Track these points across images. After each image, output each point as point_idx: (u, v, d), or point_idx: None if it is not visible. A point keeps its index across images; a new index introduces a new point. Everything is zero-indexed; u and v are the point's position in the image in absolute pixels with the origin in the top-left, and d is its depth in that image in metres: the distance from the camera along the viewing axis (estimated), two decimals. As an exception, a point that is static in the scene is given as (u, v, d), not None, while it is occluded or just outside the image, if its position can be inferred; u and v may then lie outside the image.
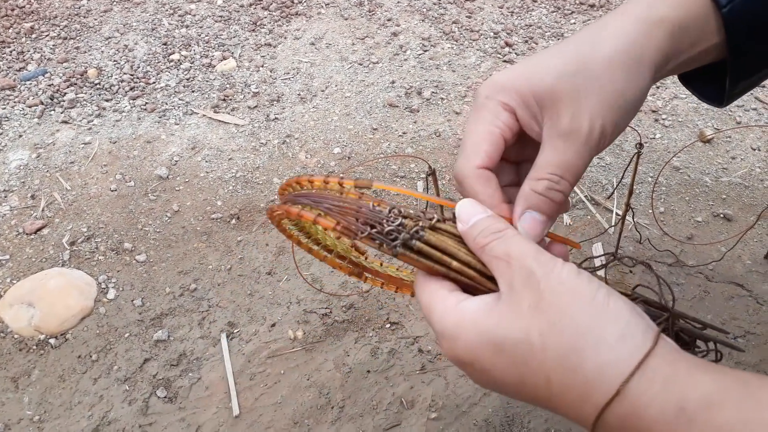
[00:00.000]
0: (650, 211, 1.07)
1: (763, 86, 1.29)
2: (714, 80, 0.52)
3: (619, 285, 0.47)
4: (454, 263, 0.42)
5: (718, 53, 0.49)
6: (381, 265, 0.59)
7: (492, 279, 0.41)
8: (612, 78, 0.44)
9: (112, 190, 1.15)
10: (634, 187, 0.92)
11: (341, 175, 0.44)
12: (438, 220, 0.44)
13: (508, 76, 0.45)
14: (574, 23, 1.57)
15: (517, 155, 0.50)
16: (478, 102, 0.47)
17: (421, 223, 0.43)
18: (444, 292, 0.42)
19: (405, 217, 0.43)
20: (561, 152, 0.43)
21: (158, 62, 1.47)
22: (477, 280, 0.42)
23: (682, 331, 0.46)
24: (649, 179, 1.14)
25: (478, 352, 0.38)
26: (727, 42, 0.47)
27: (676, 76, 0.55)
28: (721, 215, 1.07)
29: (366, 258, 0.59)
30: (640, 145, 0.84)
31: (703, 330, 0.47)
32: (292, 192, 0.48)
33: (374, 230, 0.43)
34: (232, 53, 1.50)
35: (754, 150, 1.20)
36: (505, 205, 0.46)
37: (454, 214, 0.45)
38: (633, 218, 1.04)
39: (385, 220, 0.43)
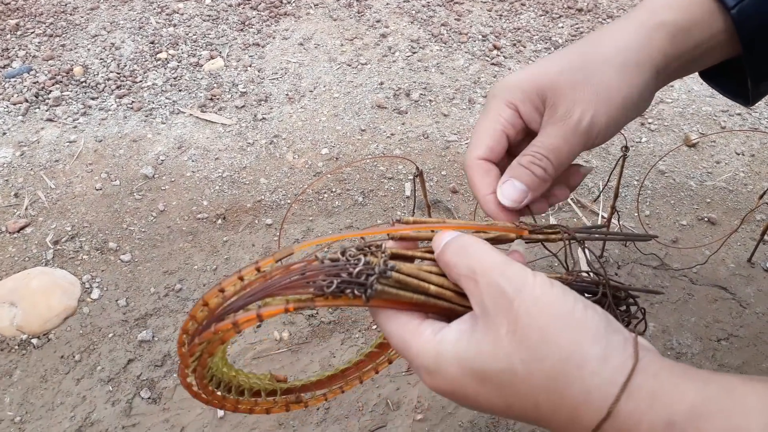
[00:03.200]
0: (636, 214, 1.08)
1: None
2: (736, 77, 0.53)
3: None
4: (432, 287, 0.40)
5: (728, 50, 0.51)
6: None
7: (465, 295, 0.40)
8: (608, 74, 0.47)
9: (97, 189, 1.14)
10: (620, 190, 0.93)
11: (256, 261, 0.40)
12: (391, 251, 0.42)
13: (515, 76, 0.50)
14: (562, 27, 1.58)
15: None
16: (486, 101, 0.51)
17: (383, 255, 0.40)
18: (415, 324, 0.40)
19: (365, 254, 0.40)
20: (549, 136, 0.47)
21: (145, 61, 1.46)
22: (454, 301, 0.41)
23: (615, 294, 0.47)
24: (635, 183, 1.15)
25: (462, 383, 0.38)
26: (741, 42, 0.49)
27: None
28: (706, 219, 1.08)
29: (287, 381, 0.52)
30: (626, 149, 0.85)
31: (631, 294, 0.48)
32: (202, 317, 0.40)
33: (339, 280, 0.38)
34: (220, 53, 1.49)
35: (739, 154, 1.21)
36: (499, 210, 0.49)
37: (390, 236, 0.44)
38: (618, 221, 1.05)
39: (347, 266, 0.38)
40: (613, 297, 0.46)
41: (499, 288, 0.37)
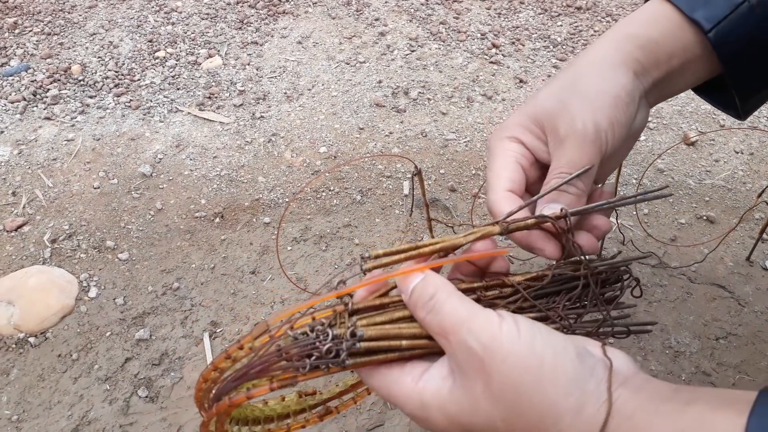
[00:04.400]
0: (634, 212, 1.08)
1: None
2: (727, 90, 0.54)
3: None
4: (404, 343, 0.41)
5: (708, 66, 0.52)
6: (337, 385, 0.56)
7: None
8: (591, 82, 0.49)
9: (94, 188, 1.14)
10: (619, 188, 0.92)
11: (237, 338, 0.44)
12: (354, 309, 0.42)
13: (508, 118, 0.52)
14: (561, 25, 1.58)
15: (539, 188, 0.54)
16: (489, 149, 0.52)
17: (348, 323, 0.41)
18: (395, 374, 0.41)
19: (332, 326, 0.41)
20: (565, 154, 0.48)
21: (143, 59, 1.46)
22: (428, 347, 0.41)
23: (604, 279, 0.48)
24: (634, 181, 1.15)
25: (449, 429, 0.39)
26: (721, 63, 0.50)
27: None
28: (704, 217, 1.08)
29: (318, 394, 0.54)
30: (624, 147, 0.85)
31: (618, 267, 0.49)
32: (208, 393, 0.44)
33: (313, 358, 0.40)
34: (218, 51, 1.49)
35: (737, 153, 1.21)
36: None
37: (363, 271, 0.43)
38: (617, 219, 1.05)
39: (316, 342, 0.40)
40: (602, 281, 0.47)
41: (467, 347, 0.37)
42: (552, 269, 0.46)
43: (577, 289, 0.46)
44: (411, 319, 0.42)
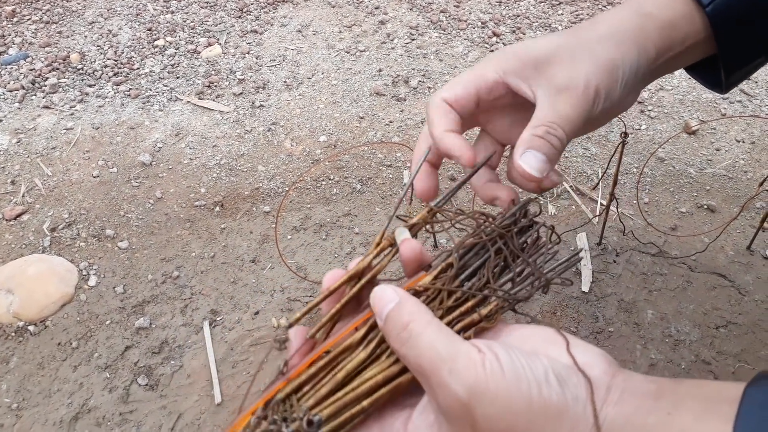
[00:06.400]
0: (635, 201, 1.07)
1: (748, 79, 1.30)
2: (714, 68, 0.55)
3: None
4: (365, 403, 0.38)
5: (705, 47, 0.52)
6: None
7: None
8: (605, 48, 0.48)
9: (94, 177, 1.14)
10: (619, 177, 0.92)
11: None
12: (294, 389, 0.40)
13: (517, 45, 0.51)
14: (562, 14, 1.57)
15: (504, 135, 0.54)
16: (483, 59, 0.52)
17: (299, 412, 0.38)
18: None
19: (285, 420, 0.38)
20: (558, 105, 0.47)
21: (143, 48, 1.45)
22: (395, 387, 0.39)
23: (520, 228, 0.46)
24: (634, 170, 1.14)
25: None
26: (715, 38, 0.51)
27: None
28: (705, 206, 1.07)
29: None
30: (625, 134, 0.84)
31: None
32: None
33: None
34: (218, 39, 1.48)
35: (739, 142, 1.20)
36: (457, 140, 0.48)
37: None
38: (617, 208, 1.05)
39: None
40: (518, 230, 0.45)
41: (450, 392, 0.35)
42: (455, 249, 0.44)
43: (491, 256, 0.44)
44: (361, 367, 0.40)
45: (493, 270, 0.43)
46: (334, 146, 1.20)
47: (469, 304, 0.42)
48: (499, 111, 0.53)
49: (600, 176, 1.12)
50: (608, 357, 0.38)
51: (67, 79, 1.36)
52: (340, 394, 0.38)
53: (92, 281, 0.97)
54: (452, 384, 0.34)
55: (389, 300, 0.39)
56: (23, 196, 1.10)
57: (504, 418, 0.34)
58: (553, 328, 0.39)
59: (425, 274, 0.44)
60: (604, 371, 0.36)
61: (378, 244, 0.46)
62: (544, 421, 0.34)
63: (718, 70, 0.54)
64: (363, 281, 0.44)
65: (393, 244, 0.45)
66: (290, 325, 0.42)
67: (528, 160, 0.47)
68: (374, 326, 0.41)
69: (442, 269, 0.43)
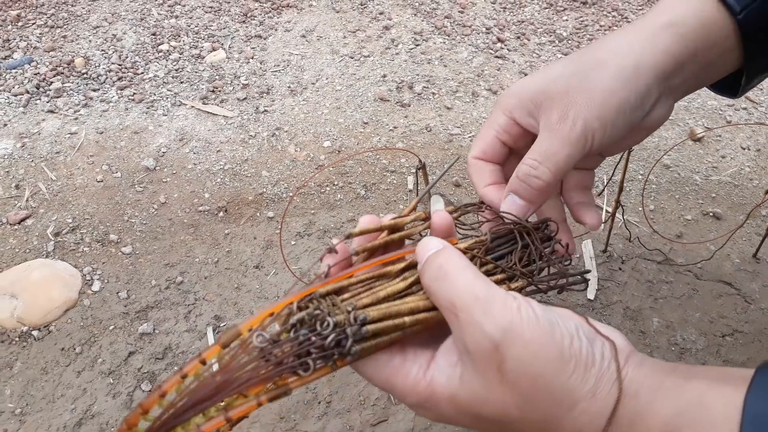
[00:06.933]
0: (640, 208, 1.07)
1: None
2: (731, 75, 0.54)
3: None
4: (407, 319, 0.38)
5: (735, 58, 0.51)
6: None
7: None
8: (602, 77, 0.47)
9: (98, 181, 1.14)
10: (625, 184, 0.92)
11: (199, 353, 0.36)
12: (334, 289, 0.39)
13: (516, 84, 0.52)
14: (566, 20, 1.57)
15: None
16: (492, 108, 0.56)
17: (347, 306, 0.37)
18: (397, 363, 0.39)
19: (330, 314, 0.36)
20: (544, 141, 0.48)
21: (147, 52, 1.45)
22: (430, 321, 0.39)
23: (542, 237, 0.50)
24: (640, 177, 1.14)
25: (458, 419, 0.39)
26: (743, 46, 0.49)
27: None
28: (711, 214, 1.07)
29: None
30: (632, 142, 0.84)
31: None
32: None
33: (314, 355, 0.35)
34: (222, 44, 1.48)
35: (744, 149, 1.20)
36: (492, 193, 0.52)
37: (329, 251, 0.43)
38: (623, 216, 1.04)
39: (311, 336, 0.35)
40: (540, 239, 0.49)
41: (482, 331, 0.36)
42: (490, 231, 0.48)
43: (519, 247, 0.47)
44: (398, 295, 0.40)
45: (519, 258, 0.47)
46: (338, 152, 1.20)
47: (498, 277, 0.44)
48: (532, 142, 0.53)
49: (605, 183, 1.12)
50: (625, 337, 0.39)
51: (72, 83, 1.36)
52: (382, 306, 0.39)
53: (96, 286, 0.97)
54: (486, 324, 0.36)
55: (434, 246, 0.41)
56: (27, 200, 1.10)
57: (534, 363, 0.35)
58: (569, 309, 0.40)
59: (456, 239, 0.47)
60: (625, 342, 0.39)
61: (413, 208, 0.49)
62: (572, 371, 0.35)
63: (731, 74, 0.53)
64: (396, 235, 0.46)
65: (427, 218, 0.48)
66: (348, 236, 0.44)
67: (508, 204, 0.50)
68: (411, 266, 0.43)
69: (473, 244, 0.47)
